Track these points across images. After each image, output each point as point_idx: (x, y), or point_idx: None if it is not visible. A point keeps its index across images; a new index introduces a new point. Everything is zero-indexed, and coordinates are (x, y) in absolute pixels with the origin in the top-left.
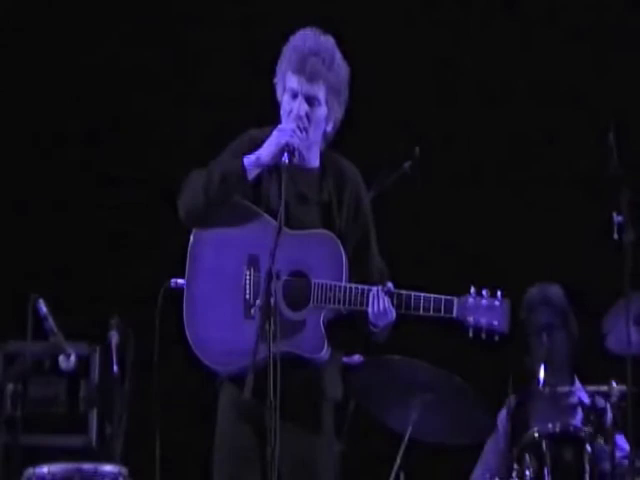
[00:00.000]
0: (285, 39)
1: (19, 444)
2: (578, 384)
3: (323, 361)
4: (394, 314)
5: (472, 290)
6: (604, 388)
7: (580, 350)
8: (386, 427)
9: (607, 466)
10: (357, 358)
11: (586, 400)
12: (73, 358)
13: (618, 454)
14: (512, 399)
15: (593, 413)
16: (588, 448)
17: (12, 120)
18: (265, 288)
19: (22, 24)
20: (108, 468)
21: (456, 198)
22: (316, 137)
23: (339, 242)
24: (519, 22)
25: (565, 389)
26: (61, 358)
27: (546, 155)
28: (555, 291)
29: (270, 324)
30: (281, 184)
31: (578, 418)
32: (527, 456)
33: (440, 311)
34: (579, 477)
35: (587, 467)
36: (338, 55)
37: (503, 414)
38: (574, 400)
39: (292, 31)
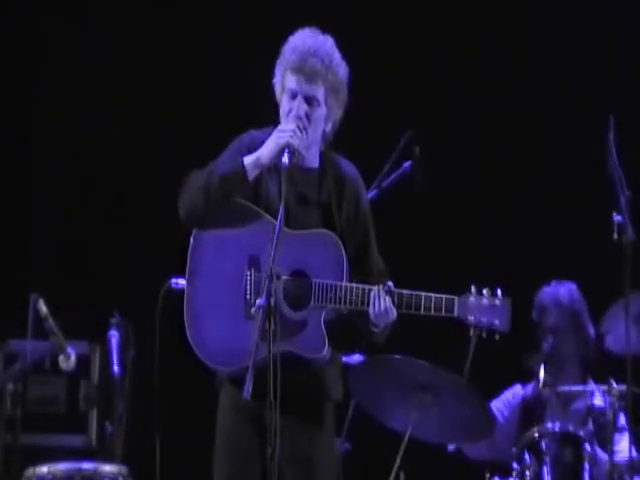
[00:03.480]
0: (284, 39)
1: (19, 444)
2: (591, 386)
3: (324, 361)
4: (395, 313)
5: (473, 289)
6: (603, 388)
7: (595, 351)
8: (386, 427)
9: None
10: (357, 358)
11: (597, 402)
12: (73, 358)
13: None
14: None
15: (592, 413)
16: (587, 448)
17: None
18: (266, 288)
19: None
20: (108, 468)
21: (455, 198)
22: (315, 137)
23: (339, 242)
24: (522, 23)
25: (564, 389)
26: (61, 358)
27: (546, 154)
28: (567, 291)
29: (270, 324)
30: (281, 184)
31: (580, 419)
32: (527, 456)
33: (441, 310)
34: (578, 477)
35: (586, 467)
36: (337, 55)
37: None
38: (583, 402)
39: (291, 31)
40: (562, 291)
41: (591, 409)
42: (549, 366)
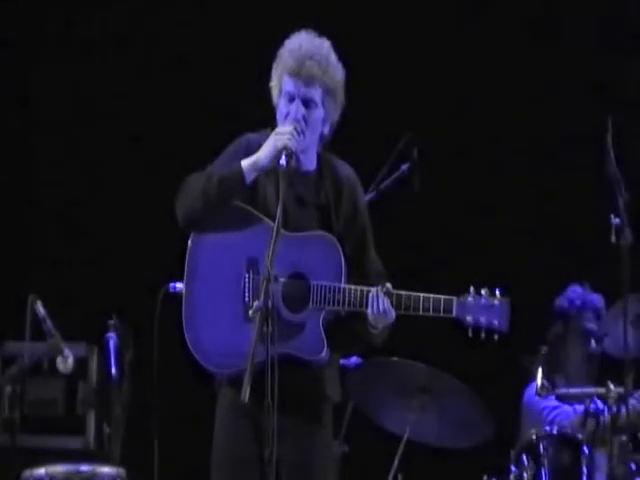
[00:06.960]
0: (280, 42)
1: (17, 446)
2: (589, 388)
3: (323, 363)
4: (393, 315)
5: (471, 289)
6: (601, 390)
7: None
8: (384, 429)
9: None
10: (355, 360)
11: (596, 404)
12: (71, 360)
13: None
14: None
15: (590, 415)
16: (585, 450)
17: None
18: (263, 290)
19: None
20: (106, 470)
21: (454, 199)
22: (313, 140)
23: (337, 243)
24: (520, 24)
25: (562, 391)
26: (59, 359)
27: (545, 155)
28: (602, 302)
29: (268, 326)
30: (279, 187)
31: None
32: (525, 458)
33: (439, 311)
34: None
35: (584, 469)
36: (333, 57)
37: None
38: (582, 404)
39: (287, 34)
40: (600, 300)
41: (589, 411)
42: (588, 364)
